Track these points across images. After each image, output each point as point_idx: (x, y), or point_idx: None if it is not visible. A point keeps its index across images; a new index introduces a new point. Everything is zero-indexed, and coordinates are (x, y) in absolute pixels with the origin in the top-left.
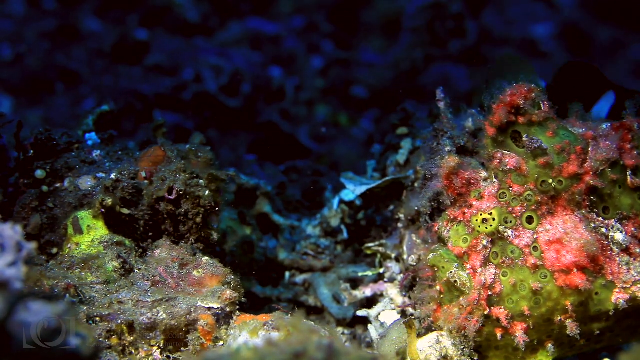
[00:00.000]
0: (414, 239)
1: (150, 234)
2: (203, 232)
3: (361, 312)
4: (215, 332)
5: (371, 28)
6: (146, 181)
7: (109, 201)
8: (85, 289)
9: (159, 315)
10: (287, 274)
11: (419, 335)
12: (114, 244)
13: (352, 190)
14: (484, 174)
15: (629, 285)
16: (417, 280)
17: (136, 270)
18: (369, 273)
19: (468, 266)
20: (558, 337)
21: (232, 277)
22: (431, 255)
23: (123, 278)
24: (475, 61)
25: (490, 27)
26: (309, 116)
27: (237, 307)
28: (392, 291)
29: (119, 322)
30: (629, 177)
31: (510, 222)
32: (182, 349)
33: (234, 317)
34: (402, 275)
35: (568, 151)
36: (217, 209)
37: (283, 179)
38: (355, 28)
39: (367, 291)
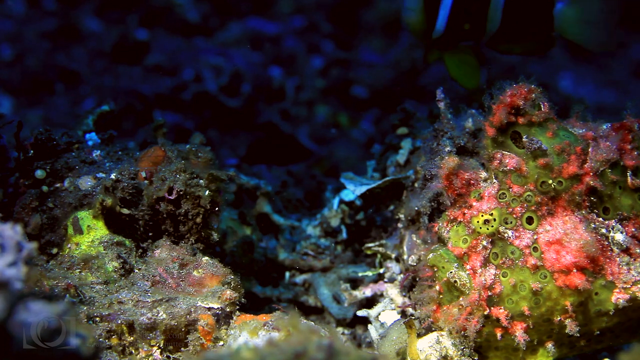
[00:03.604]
0: (414, 239)
1: (150, 234)
2: (203, 232)
3: (361, 312)
4: (215, 332)
5: (371, 28)
6: (146, 181)
7: (109, 201)
8: (85, 289)
9: (159, 315)
10: (287, 274)
11: (419, 335)
12: (114, 244)
13: (352, 190)
14: (484, 174)
15: (629, 286)
16: (417, 280)
17: (136, 271)
18: (369, 273)
19: (468, 267)
20: (558, 337)
21: (232, 277)
22: (431, 255)
23: (123, 278)
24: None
25: None
26: (309, 116)
27: (237, 307)
28: (392, 291)
29: (119, 322)
30: (629, 178)
31: (511, 222)
32: (182, 349)
33: (234, 317)
34: (402, 275)
35: (568, 152)
36: (217, 209)
37: (285, 179)
38: (355, 28)
39: (367, 291)
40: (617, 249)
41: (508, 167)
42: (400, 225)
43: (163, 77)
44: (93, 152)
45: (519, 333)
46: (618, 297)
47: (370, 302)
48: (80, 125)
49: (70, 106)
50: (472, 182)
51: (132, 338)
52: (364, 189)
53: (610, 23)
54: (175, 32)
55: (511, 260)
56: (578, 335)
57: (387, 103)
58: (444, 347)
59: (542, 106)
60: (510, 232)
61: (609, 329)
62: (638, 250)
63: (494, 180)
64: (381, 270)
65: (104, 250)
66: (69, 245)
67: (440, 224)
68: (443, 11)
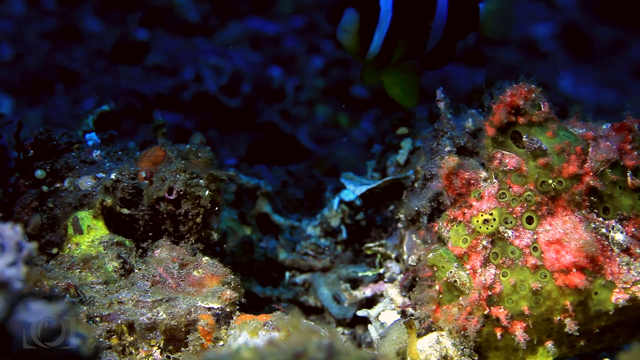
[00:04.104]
0: (414, 239)
1: (150, 234)
2: (203, 232)
3: (361, 312)
4: (215, 332)
5: None
6: (146, 181)
7: (109, 201)
8: (85, 289)
9: (159, 315)
10: (287, 274)
11: (419, 335)
12: (114, 244)
13: (352, 190)
14: (484, 174)
15: (629, 286)
16: (417, 280)
17: (136, 271)
18: (369, 273)
19: (468, 266)
20: (558, 336)
21: (232, 277)
22: (431, 254)
23: (123, 278)
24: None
25: None
26: (309, 116)
27: (237, 307)
28: (392, 291)
29: (119, 322)
30: (629, 178)
31: (511, 222)
32: (182, 349)
33: (234, 317)
34: (402, 275)
35: (568, 152)
36: (217, 209)
37: (285, 179)
38: None
39: (367, 291)
40: (617, 248)
41: (508, 167)
42: (400, 225)
43: (163, 77)
44: (93, 152)
45: (519, 332)
46: (618, 297)
47: (370, 302)
48: (80, 125)
49: (70, 106)
50: (472, 181)
51: (132, 338)
52: (364, 189)
53: (512, 10)
54: (175, 32)
55: (511, 260)
56: (578, 334)
57: (387, 103)
58: (444, 347)
59: (542, 106)
60: (510, 232)
61: (609, 328)
62: (638, 250)
63: (494, 180)
64: (381, 270)
65: (104, 250)
66: (69, 245)
67: (440, 224)
68: (378, 34)
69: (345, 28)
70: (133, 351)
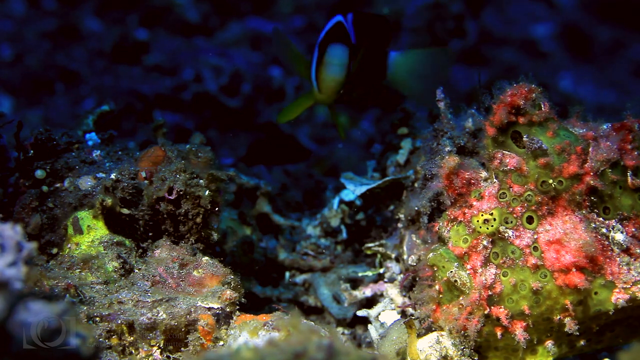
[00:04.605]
0: (414, 239)
1: (150, 234)
2: (203, 232)
3: (361, 312)
4: (215, 332)
5: None
6: (146, 181)
7: (109, 201)
8: (85, 289)
9: (159, 315)
10: (287, 274)
11: (419, 335)
12: (114, 244)
13: (352, 190)
14: (484, 174)
15: (629, 286)
16: (417, 280)
17: (136, 271)
18: (369, 273)
19: (468, 266)
20: (558, 335)
21: (232, 277)
22: (431, 254)
23: (123, 278)
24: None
25: (490, 27)
26: (309, 116)
27: (237, 307)
28: (392, 291)
29: (119, 322)
30: (629, 178)
31: (511, 222)
32: (182, 349)
33: (234, 317)
34: (402, 275)
35: (568, 151)
36: (217, 209)
37: (285, 180)
38: None
39: (367, 291)
40: (617, 248)
41: (508, 167)
42: (400, 225)
43: (163, 77)
44: (93, 152)
45: (519, 332)
46: (618, 297)
47: (370, 302)
48: (80, 125)
49: (70, 106)
50: (472, 181)
51: (132, 338)
52: (364, 189)
53: (435, 80)
54: (175, 32)
55: (511, 259)
56: (577, 334)
57: (387, 103)
58: (444, 347)
59: (542, 106)
60: (510, 232)
61: (609, 328)
62: (638, 250)
63: (495, 180)
64: (381, 270)
65: (104, 250)
66: (69, 245)
67: (440, 224)
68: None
69: (340, 63)
70: (133, 351)
